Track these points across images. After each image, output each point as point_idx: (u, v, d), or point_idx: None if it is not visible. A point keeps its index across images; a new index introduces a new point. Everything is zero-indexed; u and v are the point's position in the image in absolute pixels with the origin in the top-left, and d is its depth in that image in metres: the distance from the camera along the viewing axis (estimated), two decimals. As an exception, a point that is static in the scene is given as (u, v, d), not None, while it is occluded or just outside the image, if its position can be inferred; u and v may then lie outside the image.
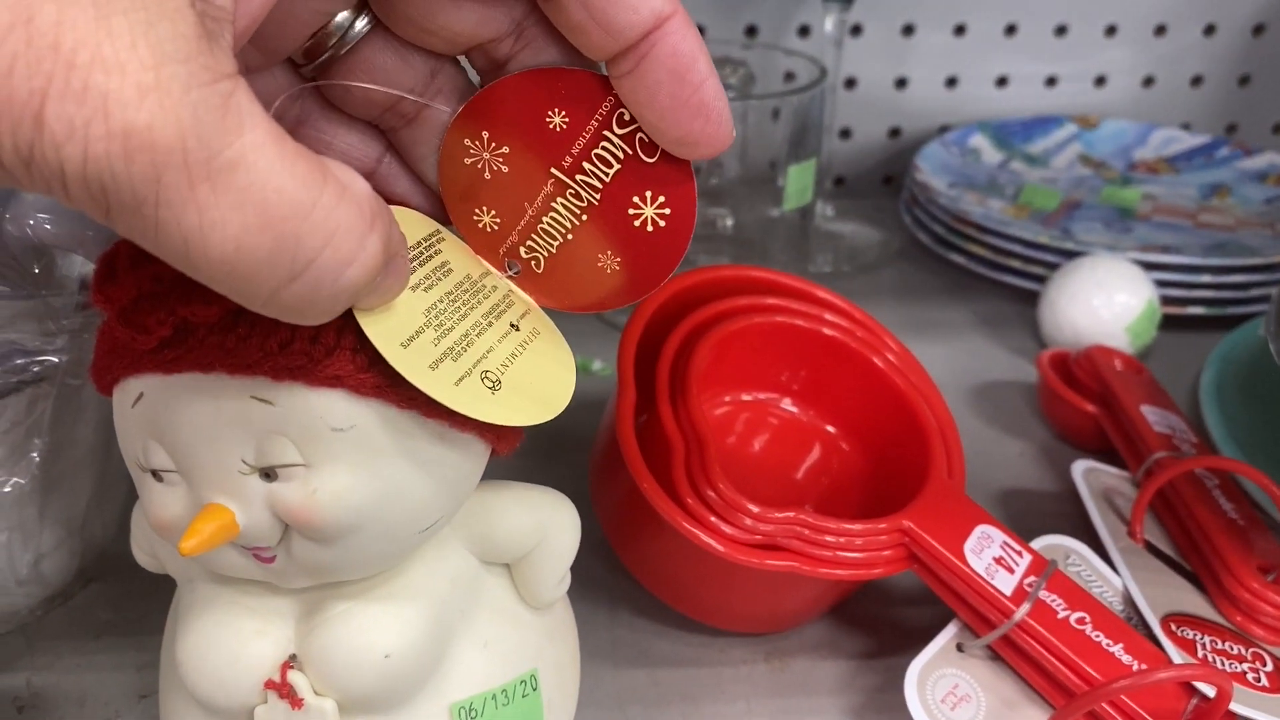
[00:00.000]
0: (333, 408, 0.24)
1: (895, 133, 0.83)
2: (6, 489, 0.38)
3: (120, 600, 0.44)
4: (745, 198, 0.69)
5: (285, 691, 0.27)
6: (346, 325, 0.24)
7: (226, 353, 0.23)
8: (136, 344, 0.24)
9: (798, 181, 0.59)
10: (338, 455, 0.24)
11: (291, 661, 0.28)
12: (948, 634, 0.38)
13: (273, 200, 0.18)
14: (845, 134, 0.82)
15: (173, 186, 0.17)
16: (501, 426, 0.27)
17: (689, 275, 0.42)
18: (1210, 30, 0.81)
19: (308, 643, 0.28)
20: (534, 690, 0.31)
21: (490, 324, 0.27)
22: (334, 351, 0.24)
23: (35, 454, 0.38)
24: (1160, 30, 0.81)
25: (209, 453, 0.24)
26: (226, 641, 0.28)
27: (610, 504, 0.41)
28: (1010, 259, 0.65)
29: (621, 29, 0.23)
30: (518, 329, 0.28)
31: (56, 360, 0.36)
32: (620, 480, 0.39)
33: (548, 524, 0.31)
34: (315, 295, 0.20)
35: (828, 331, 0.42)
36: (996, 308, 0.67)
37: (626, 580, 0.43)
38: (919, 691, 0.36)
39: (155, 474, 0.25)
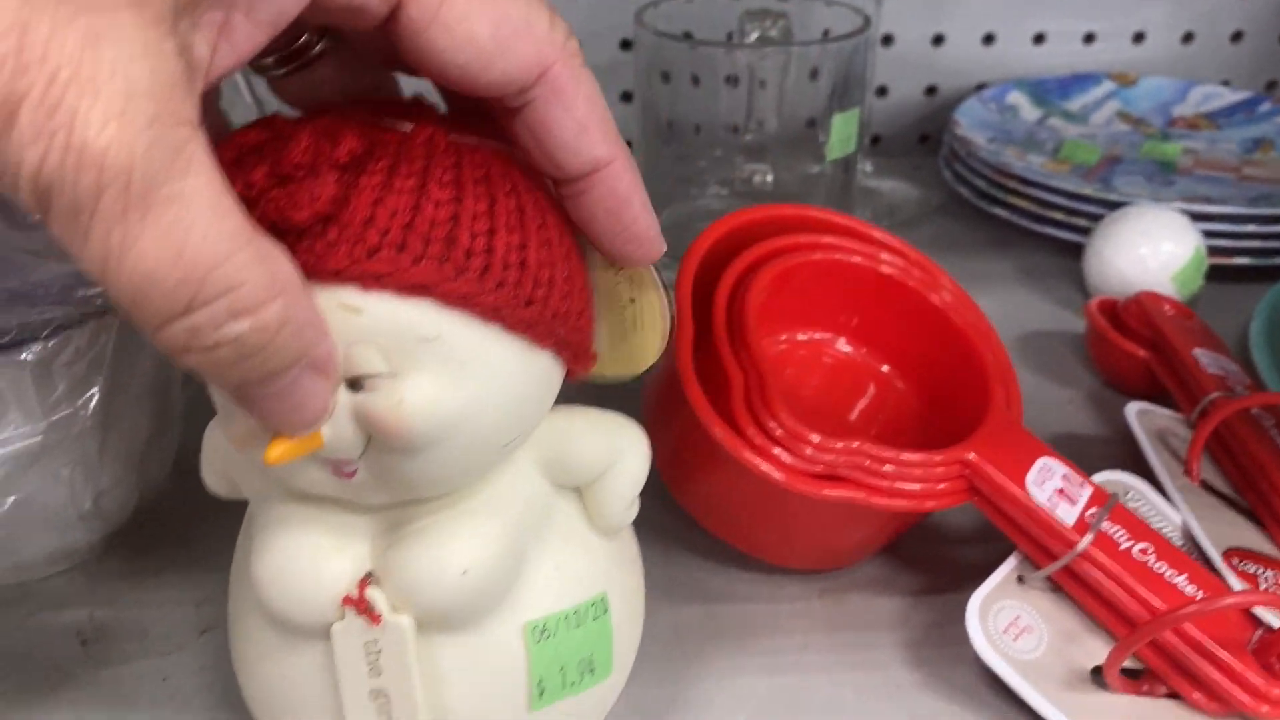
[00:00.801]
0: (420, 317, 0.24)
1: (932, 91, 0.82)
2: (70, 422, 0.38)
3: (178, 538, 0.44)
4: (785, 153, 0.69)
5: (363, 607, 0.27)
6: (432, 234, 0.24)
7: (316, 258, 0.23)
8: None
9: (841, 131, 0.59)
10: (423, 365, 0.24)
11: (369, 578, 0.28)
12: (1008, 567, 0.38)
13: (194, 243, 0.19)
14: (882, 92, 0.82)
15: (109, 206, 0.18)
16: (577, 348, 0.28)
17: (744, 213, 0.42)
18: (1251, -16, 0.80)
19: (385, 558, 0.28)
20: (604, 614, 0.31)
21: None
22: (421, 260, 0.24)
23: (96, 388, 0.38)
24: (1200, -15, 0.80)
25: None
26: (305, 557, 0.28)
27: (666, 441, 0.41)
28: (1053, 211, 0.65)
29: (563, 166, 0.26)
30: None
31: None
32: (677, 416, 0.39)
33: (619, 448, 0.31)
34: (199, 336, 0.20)
35: (884, 269, 0.42)
36: (1039, 261, 0.66)
37: (678, 520, 0.43)
38: (981, 623, 0.36)
39: None
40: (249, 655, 0.31)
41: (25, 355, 0.36)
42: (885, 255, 0.43)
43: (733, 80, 0.68)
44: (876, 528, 0.40)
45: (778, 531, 0.40)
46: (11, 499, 0.38)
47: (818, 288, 0.42)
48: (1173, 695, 0.36)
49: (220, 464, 0.31)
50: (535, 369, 0.27)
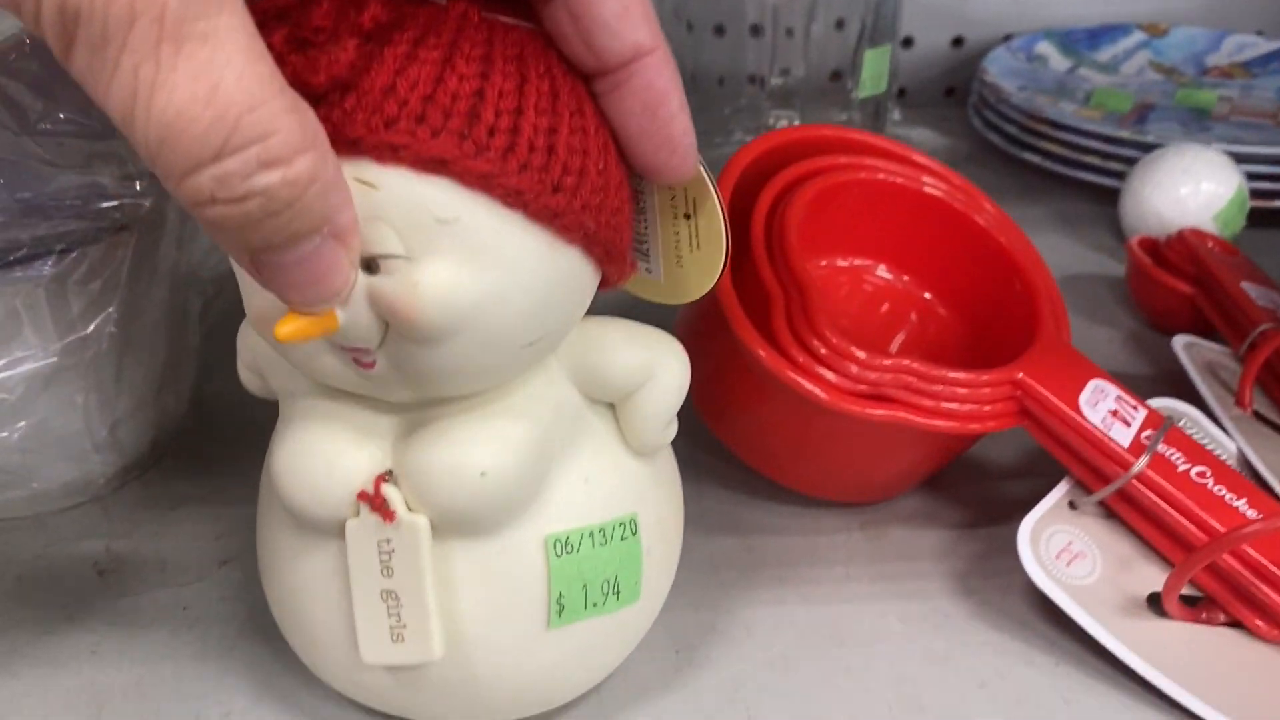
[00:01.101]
0: (438, 196, 0.23)
1: (958, 42, 0.80)
2: (85, 343, 0.37)
3: (196, 474, 0.43)
4: (812, 101, 0.67)
5: (378, 504, 0.26)
6: (454, 108, 0.22)
7: (333, 128, 0.22)
8: None
9: (873, 67, 0.57)
10: (440, 249, 0.23)
11: (387, 476, 0.27)
12: (1059, 492, 0.37)
13: (228, 82, 0.18)
14: (908, 43, 0.80)
15: (141, 36, 0.17)
16: (610, 248, 0.26)
17: (782, 133, 0.40)
18: (1287, -70, 0.78)
19: (404, 455, 0.27)
20: (633, 535, 0.30)
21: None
22: (440, 134, 0.22)
23: (112, 308, 0.37)
24: (1234, -68, 0.78)
25: None
26: (323, 450, 0.27)
27: (701, 368, 0.39)
28: (1087, 155, 0.63)
29: (602, 51, 0.24)
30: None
31: (137, 205, 0.35)
32: (714, 340, 0.37)
33: (656, 363, 0.30)
34: (227, 186, 0.19)
35: (929, 190, 0.41)
36: (1073, 206, 0.65)
37: (711, 453, 0.42)
38: (1032, 548, 0.35)
39: None
40: (270, 559, 0.30)
41: (40, 271, 0.35)
42: (927, 178, 0.41)
43: (758, 30, 0.67)
44: (920, 456, 0.38)
45: (818, 460, 0.38)
46: (25, 423, 0.37)
47: (859, 210, 0.41)
48: (1233, 623, 0.34)
49: (251, 357, 0.30)
50: (561, 265, 0.25)
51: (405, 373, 0.25)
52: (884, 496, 0.41)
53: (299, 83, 0.21)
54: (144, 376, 0.40)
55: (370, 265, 0.23)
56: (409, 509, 0.27)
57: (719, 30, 0.68)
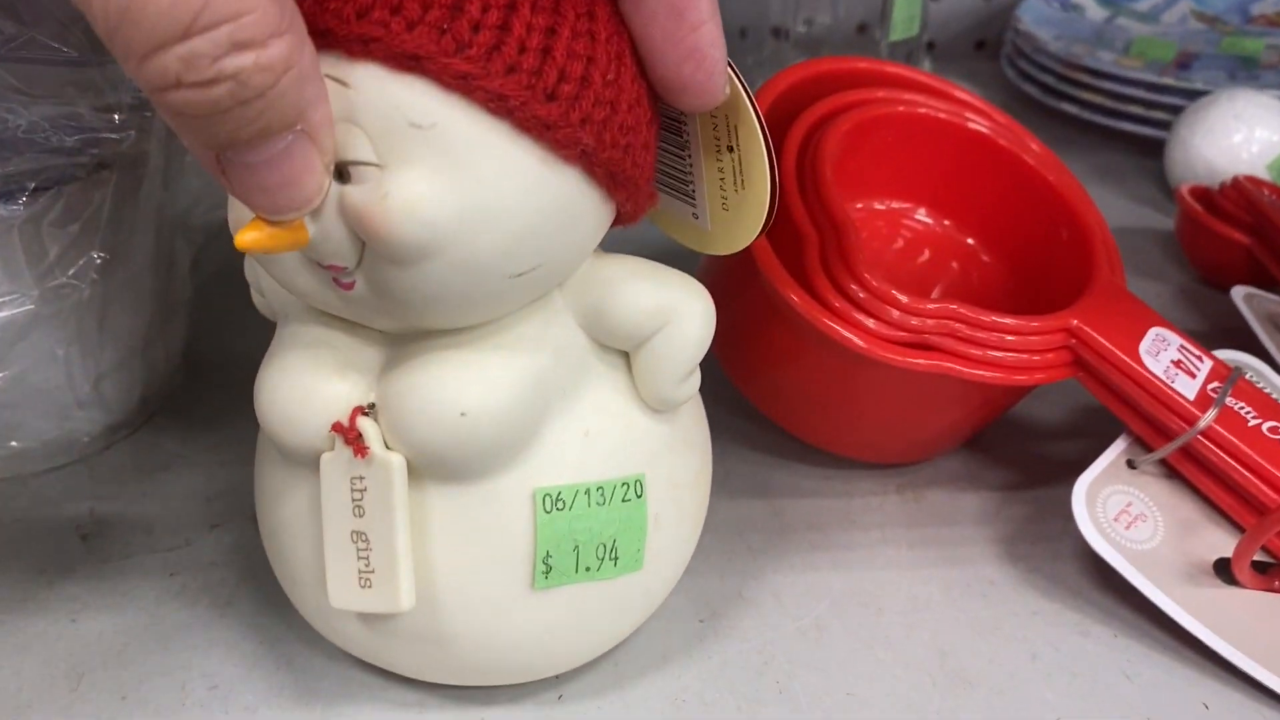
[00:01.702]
0: (413, 98, 0.20)
1: (989, -9, 0.77)
2: (63, 290, 0.34)
3: (186, 433, 0.40)
4: (840, 49, 0.64)
5: (351, 436, 0.24)
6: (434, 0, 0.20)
7: (308, 15, 0.19)
8: None
9: (905, 9, 0.54)
10: (415, 158, 0.20)
11: (367, 409, 0.24)
12: (1116, 449, 0.34)
13: None
14: (932, -5, 0.76)
15: None
16: (619, 173, 0.23)
17: (814, 64, 0.37)
18: (1337, -128, 0.74)
19: (383, 388, 0.24)
20: (638, 497, 0.27)
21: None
22: (416, 26, 0.20)
23: (93, 253, 0.34)
24: (1282, -127, 0.74)
25: None
26: (301, 377, 0.25)
27: (726, 318, 0.36)
28: (1129, 105, 0.60)
29: None
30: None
31: (117, 138, 0.32)
32: (740, 285, 0.35)
33: (673, 308, 0.26)
34: (194, 68, 0.17)
35: (972, 126, 0.37)
36: (1113, 158, 0.61)
37: (735, 414, 0.39)
38: (1088, 509, 0.32)
39: None
40: (260, 493, 0.29)
41: (12, 210, 0.32)
42: (970, 114, 0.38)
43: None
44: (964, 412, 0.36)
45: (852, 417, 0.36)
46: (2, 375, 0.34)
47: (897, 148, 0.37)
48: (1308, 591, 0.32)
49: (254, 275, 0.28)
50: (556, 186, 0.22)
51: (384, 297, 0.22)
52: (922, 457, 0.38)
53: None
54: (130, 328, 0.37)
55: (341, 173, 0.21)
56: (386, 446, 0.24)
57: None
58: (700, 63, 0.23)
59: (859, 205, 0.39)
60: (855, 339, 0.31)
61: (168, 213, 0.37)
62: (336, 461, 0.25)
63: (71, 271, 0.34)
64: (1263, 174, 0.52)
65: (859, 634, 0.32)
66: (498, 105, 0.21)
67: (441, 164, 0.21)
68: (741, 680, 0.30)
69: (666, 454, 0.28)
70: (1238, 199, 0.47)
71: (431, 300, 0.22)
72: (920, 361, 0.31)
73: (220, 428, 0.40)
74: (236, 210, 0.22)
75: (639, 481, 0.27)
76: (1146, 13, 0.73)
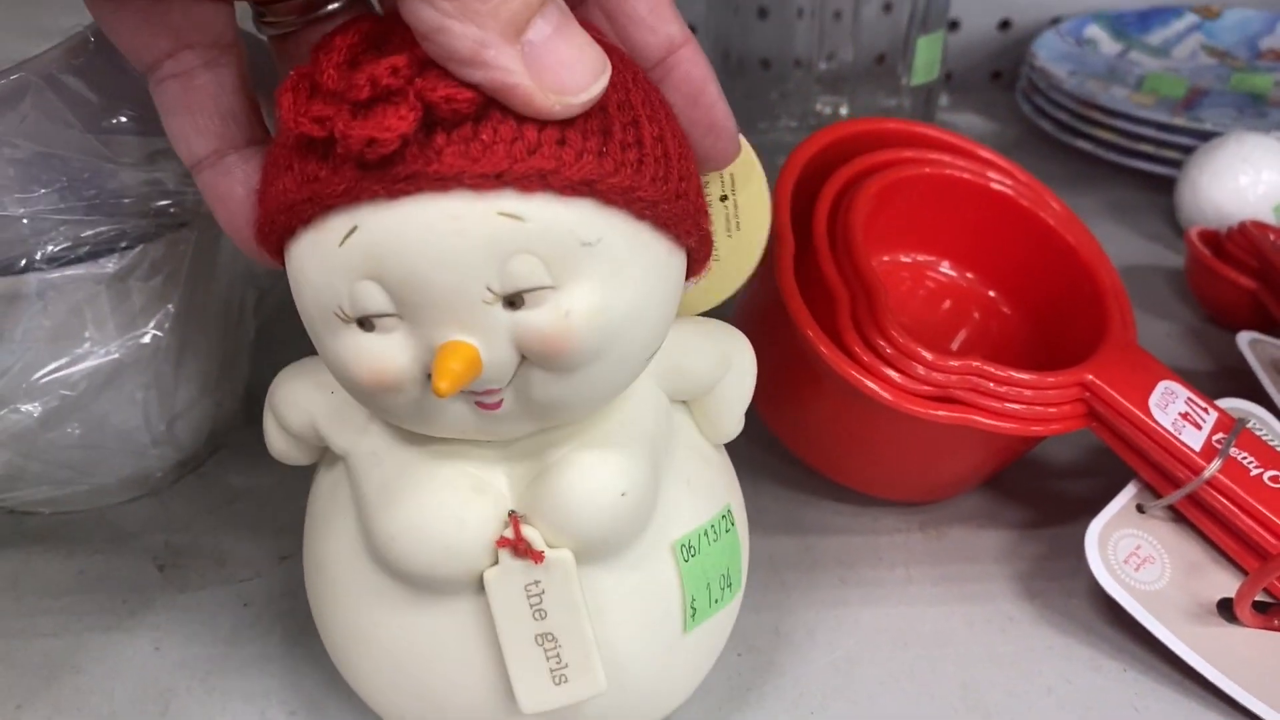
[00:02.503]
0: (581, 219, 0.22)
1: (1005, 25, 0.79)
2: (145, 340, 0.36)
3: (251, 468, 0.43)
4: (862, 84, 0.66)
5: (522, 547, 0.25)
6: (588, 127, 0.22)
7: (472, 161, 0.21)
8: (367, 154, 0.20)
9: (926, 54, 0.56)
10: (584, 273, 0.22)
11: (517, 517, 0.26)
12: (1126, 495, 0.36)
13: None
14: (954, 26, 0.79)
15: None
16: (708, 243, 0.26)
17: (845, 126, 0.40)
18: (1345, -90, 0.76)
19: (535, 491, 0.25)
20: (732, 526, 0.30)
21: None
22: (583, 155, 0.22)
23: (172, 305, 0.37)
24: (1291, -89, 0.76)
25: (449, 284, 0.21)
26: (448, 504, 0.25)
27: (761, 363, 0.39)
28: (1141, 143, 0.62)
29: (641, 48, 0.25)
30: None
31: (198, 202, 0.35)
32: (775, 335, 0.37)
33: (731, 355, 0.29)
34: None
35: (995, 186, 0.40)
36: (1125, 195, 0.63)
37: (767, 453, 0.42)
38: (1100, 552, 0.34)
39: (364, 323, 0.23)
40: (355, 632, 0.28)
41: (103, 269, 0.34)
42: (993, 174, 0.40)
43: (803, 13, 0.66)
44: (983, 457, 0.38)
45: (878, 460, 0.38)
46: (86, 420, 0.37)
47: (924, 205, 0.40)
48: (1306, 630, 0.34)
49: (301, 417, 0.28)
50: (675, 269, 0.25)
51: (531, 407, 0.24)
52: (944, 496, 0.40)
53: (445, 101, 0.20)
54: (201, 371, 0.40)
55: (514, 301, 0.22)
56: (549, 546, 0.26)
57: (763, 13, 0.67)
58: (720, 134, 0.26)
59: (886, 258, 0.42)
60: (882, 392, 0.34)
61: (239, 264, 0.40)
62: (505, 575, 0.25)
63: (152, 322, 0.37)
64: (1269, 215, 0.54)
65: (887, 667, 0.34)
66: (648, 210, 0.23)
67: (606, 273, 0.22)
68: (779, 711, 0.33)
69: (731, 483, 0.31)
70: (1244, 244, 0.50)
71: (581, 399, 0.24)
72: (943, 414, 0.34)
73: (282, 465, 0.43)
74: (389, 363, 0.23)
75: (729, 511, 0.30)
76: (1158, 46, 0.75)
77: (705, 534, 0.28)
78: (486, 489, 0.26)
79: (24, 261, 0.33)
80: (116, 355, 0.36)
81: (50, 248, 0.34)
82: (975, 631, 0.35)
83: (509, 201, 0.21)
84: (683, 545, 0.28)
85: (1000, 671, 0.34)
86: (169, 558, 0.38)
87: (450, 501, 0.25)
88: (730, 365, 0.29)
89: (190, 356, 0.39)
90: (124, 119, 0.33)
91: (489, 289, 0.22)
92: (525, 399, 0.24)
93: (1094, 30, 0.76)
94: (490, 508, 0.25)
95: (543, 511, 0.25)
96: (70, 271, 0.34)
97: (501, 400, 0.24)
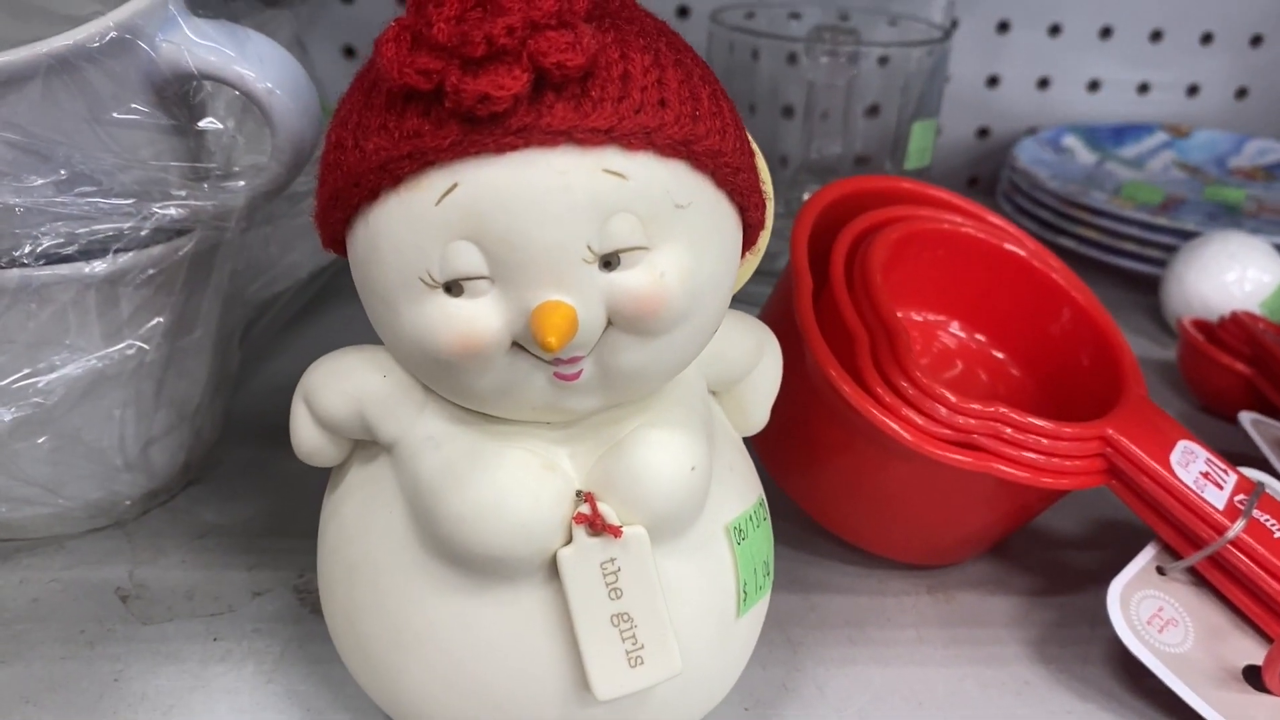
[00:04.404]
0: (677, 182, 0.22)
1: (984, 133, 0.81)
2: (129, 352, 0.35)
3: (223, 503, 0.40)
4: (852, 174, 0.67)
5: (600, 523, 0.24)
6: (681, 91, 0.22)
7: (582, 116, 0.21)
8: (478, 110, 0.20)
9: (920, 140, 0.57)
10: (675, 234, 0.22)
11: (589, 495, 0.25)
12: (1145, 556, 0.35)
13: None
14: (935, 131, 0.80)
15: None
16: (756, 226, 0.26)
17: (862, 180, 0.40)
18: (1308, 43, 0.80)
19: (607, 467, 0.25)
20: (766, 515, 0.30)
21: None
22: (681, 118, 0.22)
23: (162, 318, 0.35)
24: (1256, 41, 0.80)
25: (550, 242, 0.21)
26: (523, 481, 0.24)
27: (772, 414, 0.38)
28: (1125, 242, 0.63)
29: None
30: None
31: (202, 207, 0.33)
32: (786, 383, 0.36)
33: (762, 345, 0.29)
34: None
35: (1008, 246, 0.40)
36: (1109, 293, 0.64)
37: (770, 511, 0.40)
38: (1123, 612, 0.33)
39: (452, 288, 0.22)
40: (403, 631, 0.26)
41: (92, 271, 0.33)
42: (1004, 236, 0.40)
43: (789, 111, 0.67)
44: (996, 515, 0.37)
45: (888, 513, 0.37)
46: (58, 432, 0.35)
47: (938, 262, 0.40)
48: (1334, 701, 0.33)
49: (347, 404, 0.26)
50: (738, 243, 0.25)
51: (610, 376, 0.24)
52: (950, 560, 0.39)
53: (556, 64, 0.20)
54: (184, 395, 0.38)
55: (609, 262, 0.22)
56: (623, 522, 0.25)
57: (752, 109, 0.68)
58: None
59: (900, 313, 0.41)
60: (904, 433, 0.33)
61: (233, 285, 0.38)
62: (581, 553, 0.24)
63: (139, 333, 0.35)
64: (1256, 310, 0.54)
65: (901, 726, 0.32)
66: (729, 177, 0.23)
67: (694, 237, 0.23)
68: (790, 766, 0.31)
69: (755, 474, 0.31)
70: (1237, 332, 0.50)
71: (657, 368, 0.24)
72: (963, 459, 0.33)
73: (255, 499, 0.41)
74: (477, 325, 0.22)
75: (763, 500, 0.30)
76: (1133, 159, 0.78)
77: (750, 518, 0.28)
78: (556, 467, 0.25)
79: (10, 255, 0.32)
80: (98, 366, 0.34)
81: (41, 243, 0.32)
82: (990, 695, 0.34)
83: (614, 158, 0.21)
84: (735, 528, 0.27)
85: (1020, 735, 0.32)
86: (133, 589, 0.36)
87: (524, 479, 0.24)
88: (763, 354, 0.29)
89: (174, 377, 0.37)
90: (136, 114, 0.32)
91: (589, 247, 0.22)
92: (605, 368, 0.23)
93: (1071, 140, 0.78)
94: (561, 484, 0.25)
95: (616, 486, 0.25)
96: (58, 270, 0.32)
97: (581, 370, 0.23)
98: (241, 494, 0.41)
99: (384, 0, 0.71)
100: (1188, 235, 0.60)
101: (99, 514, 0.38)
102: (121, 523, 0.39)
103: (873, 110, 0.65)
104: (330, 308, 0.52)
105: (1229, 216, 0.69)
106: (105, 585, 0.36)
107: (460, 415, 0.26)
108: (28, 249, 0.32)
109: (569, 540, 0.25)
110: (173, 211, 0.33)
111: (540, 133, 0.21)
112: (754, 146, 0.26)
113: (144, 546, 0.38)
